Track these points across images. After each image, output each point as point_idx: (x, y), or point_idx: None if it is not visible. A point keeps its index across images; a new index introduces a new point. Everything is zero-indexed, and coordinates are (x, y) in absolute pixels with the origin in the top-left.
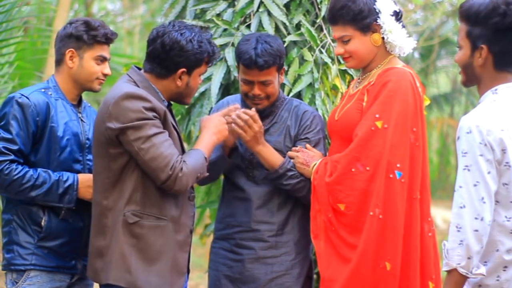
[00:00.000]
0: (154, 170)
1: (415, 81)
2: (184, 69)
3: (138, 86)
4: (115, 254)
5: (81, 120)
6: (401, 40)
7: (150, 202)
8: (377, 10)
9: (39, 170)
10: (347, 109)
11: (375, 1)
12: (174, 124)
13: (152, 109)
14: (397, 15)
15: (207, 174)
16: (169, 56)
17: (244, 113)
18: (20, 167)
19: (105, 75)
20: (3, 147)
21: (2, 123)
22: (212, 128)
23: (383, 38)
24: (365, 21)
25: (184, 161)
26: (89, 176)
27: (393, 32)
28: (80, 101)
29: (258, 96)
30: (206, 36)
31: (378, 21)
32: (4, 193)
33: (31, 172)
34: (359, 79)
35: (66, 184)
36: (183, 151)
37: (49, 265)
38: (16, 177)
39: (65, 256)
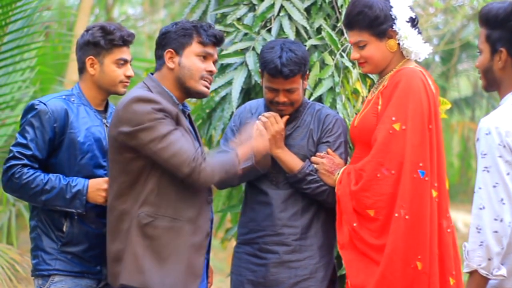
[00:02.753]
0: (177, 166)
1: (426, 79)
2: (170, 49)
3: (151, 91)
4: (129, 255)
5: (106, 125)
6: (417, 46)
7: (165, 203)
8: (393, 16)
9: (50, 174)
10: (364, 115)
11: (391, 7)
12: (190, 128)
13: (162, 110)
14: (413, 21)
15: (240, 170)
16: (157, 46)
17: (268, 117)
18: (31, 171)
19: (128, 77)
20: (17, 151)
21: (20, 129)
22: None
23: (398, 44)
24: (381, 27)
25: (205, 154)
26: (99, 180)
27: (409, 38)
28: (107, 106)
29: (283, 103)
30: (198, 22)
31: (394, 27)
32: (19, 197)
33: (41, 176)
34: (376, 84)
35: (75, 189)
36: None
37: (73, 270)
38: (25, 180)
39: (89, 261)
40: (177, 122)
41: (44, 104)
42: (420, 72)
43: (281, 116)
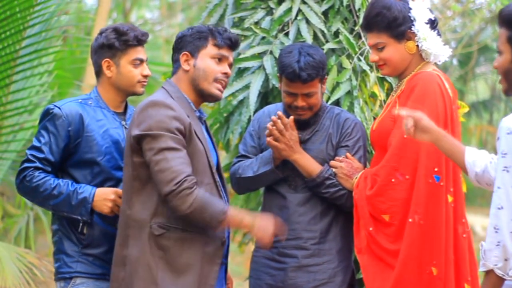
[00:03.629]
0: (159, 182)
1: (443, 83)
2: (185, 52)
3: (171, 96)
4: (142, 266)
5: (125, 127)
6: (436, 47)
7: (175, 214)
8: (412, 18)
9: (60, 180)
10: (382, 119)
11: (410, 9)
12: (201, 137)
13: (176, 118)
14: (432, 23)
15: (218, 227)
16: (173, 50)
17: (280, 118)
18: (42, 175)
19: (145, 76)
20: (31, 154)
21: (37, 133)
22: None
23: (417, 45)
24: (400, 28)
25: (198, 186)
26: (107, 190)
27: (428, 40)
28: (126, 108)
29: (301, 108)
30: (214, 27)
31: (412, 28)
32: (31, 200)
33: (50, 181)
34: (395, 88)
35: (81, 196)
36: (209, 164)
37: (94, 272)
38: (35, 184)
39: (110, 263)
40: (189, 132)
41: (59, 108)
42: (437, 75)
43: (299, 121)
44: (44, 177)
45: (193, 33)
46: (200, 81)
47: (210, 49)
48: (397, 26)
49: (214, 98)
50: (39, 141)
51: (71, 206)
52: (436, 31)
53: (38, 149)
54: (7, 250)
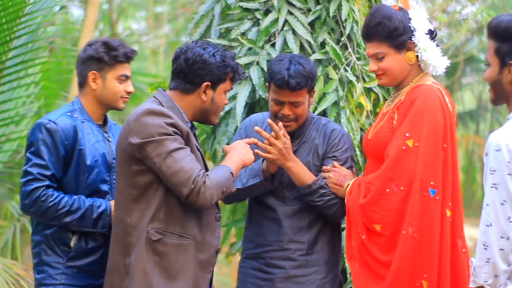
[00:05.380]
0: (177, 185)
1: (444, 97)
2: (208, 83)
3: (162, 106)
4: (138, 271)
5: (107, 140)
6: (435, 58)
7: (173, 220)
8: (412, 28)
9: (73, 196)
10: (379, 128)
11: (410, 19)
12: (198, 146)
13: (173, 125)
14: (432, 34)
15: (234, 190)
16: (192, 70)
17: (270, 125)
18: (56, 193)
19: (128, 93)
20: (38, 173)
21: (32, 149)
22: (238, 150)
23: (417, 56)
24: (400, 38)
25: (207, 175)
26: None
27: (428, 51)
28: (105, 120)
29: (287, 117)
30: (230, 53)
31: (412, 39)
32: (40, 219)
33: (66, 198)
34: (391, 97)
35: (100, 210)
36: (206, 171)
37: (78, 284)
38: (52, 203)
39: (94, 274)
40: (188, 139)
41: (54, 122)
42: (437, 89)
43: (291, 135)
44: (58, 195)
45: (220, 64)
46: (211, 114)
47: (227, 84)
48: (397, 36)
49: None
50: (42, 158)
51: (90, 220)
52: (435, 42)
53: (44, 167)
54: None
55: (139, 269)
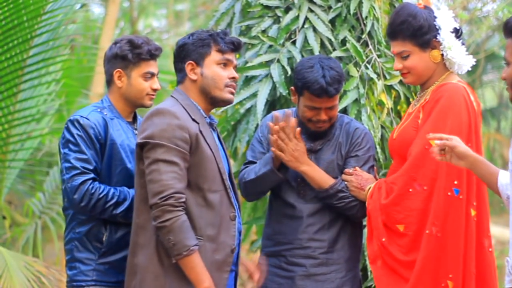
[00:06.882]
0: (149, 192)
1: (469, 96)
2: (190, 61)
3: (181, 104)
4: (150, 274)
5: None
6: (460, 57)
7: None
8: (437, 27)
9: (118, 187)
10: (404, 128)
11: (436, 17)
12: (211, 143)
13: (180, 127)
14: (457, 32)
15: (172, 252)
16: (176, 59)
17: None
18: (102, 186)
19: (154, 90)
20: (82, 167)
21: (70, 145)
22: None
23: (442, 54)
24: (425, 37)
25: (184, 208)
26: None
27: (453, 49)
28: (135, 117)
29: (323, 121)
30: (209, 29)
31: (438, 37)
32: (89, 213)
33: (112, 190)
34: (417, 97)
35: None
36: (219, 170)
37: (110, 281)
38: (101, 195)
39: (125, 270)
40: (196, 140)
41: (86, 118)
42: (463, 88)
43: (315, 133)
44: (105, 187)
45: (194, 40)
46: (211, 89)
47: (214, 56)
48: (422, 35)
49: (227, 103)
50: (83, 152)
51: None
52: (460, 41)
53: (86, 161)
54: (15, 259)
55: (150, 272)
